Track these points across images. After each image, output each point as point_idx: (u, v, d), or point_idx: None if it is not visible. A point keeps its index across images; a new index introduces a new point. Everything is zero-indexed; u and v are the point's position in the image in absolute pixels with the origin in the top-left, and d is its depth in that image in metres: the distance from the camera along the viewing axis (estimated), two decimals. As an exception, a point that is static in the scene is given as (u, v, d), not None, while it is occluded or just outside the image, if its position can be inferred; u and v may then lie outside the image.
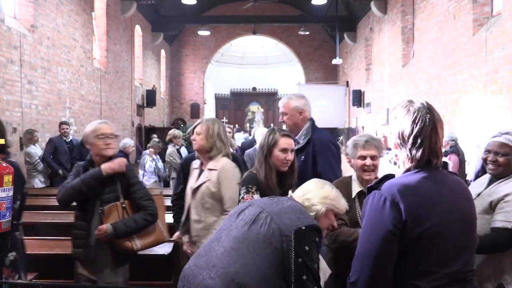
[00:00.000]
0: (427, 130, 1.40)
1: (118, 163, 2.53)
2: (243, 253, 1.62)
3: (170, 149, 7.21)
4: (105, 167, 2.49)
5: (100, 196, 2.52)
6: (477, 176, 4.66)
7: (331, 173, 2.73)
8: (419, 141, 1.40)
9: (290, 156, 2.40)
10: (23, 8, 7.26)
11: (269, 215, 1.68)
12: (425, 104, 1.45)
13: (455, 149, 5.90)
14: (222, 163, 2.72)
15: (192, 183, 2.82)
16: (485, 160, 2.23)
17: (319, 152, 2.83)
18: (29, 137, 6.63)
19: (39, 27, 7.56)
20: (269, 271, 1.59)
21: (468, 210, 1.45)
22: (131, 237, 2.51)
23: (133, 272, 2.75)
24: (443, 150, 5.99)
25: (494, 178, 2.19)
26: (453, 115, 7.68)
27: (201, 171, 2.80)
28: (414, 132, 1.40)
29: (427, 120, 1.41)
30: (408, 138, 1.41)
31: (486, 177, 2.26)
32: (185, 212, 2.84)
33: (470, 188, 2.40)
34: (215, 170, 2.70)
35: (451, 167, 5.34)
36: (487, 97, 6.47)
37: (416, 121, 1.41)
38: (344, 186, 2.36)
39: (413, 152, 1.41)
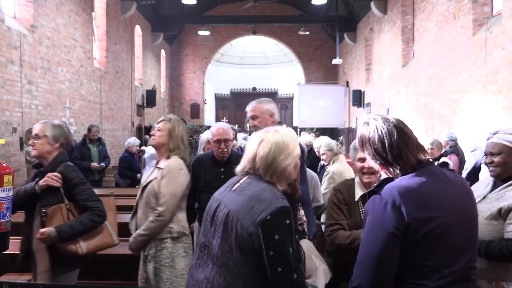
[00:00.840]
0: (396, 135, 1.42)
1: (51, 180, 2.39)
2: (229, 270, 1.53)
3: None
4: (40, 184, 2.39)
5: (40, 198, 2.41)
6: (469, 176, 4.68)
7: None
8: (397, 149, 1.42)
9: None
10: (23, 8, 7.26)
11: (234, 216, 1.55)
12: (378, 117, 1.49)
13: (455, 149, 5.90)
14: (169, 162, 2.64)
15: (142, 180, 2.82)
16: (486, 164, 2.20)
17: None
18: (29, 136, 6.64)
19: (39, 27, 7.56)
20: (256, 277, 1.51)
21: (470, 207, 1.46)
22: (76, 240, 2.37)
23: (134, 272, 2.75)
24: (443, 150, 6.00)
25: (498, 181, 2.16)
26: (453, 115, 7.68)
27: (155, 169, 2.77)
28: (387, 144, 1.42)
29: (390, 127, 1.43)
30: (386, 153, 1.43)
31: (491, 180, 2.20)
32: (133, 210, 2.77)
33: (473, 189, 2.38)
34: (162, 169, 2.64)
35: (451, 167, 5.34)
36: (487, 97, 6.47)
37: (381, 136, 1.43)
38: (347, 189, 2.35)
39: (399, 161, 1.43)
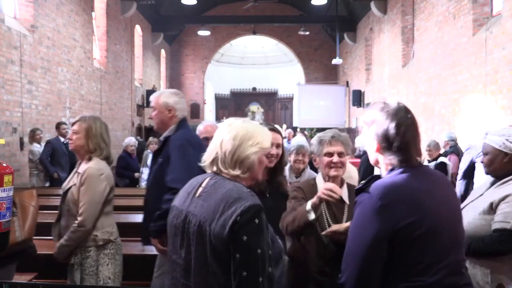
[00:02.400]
0: (411, 130, 1.43)
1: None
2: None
3: None
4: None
5: None
6: (465, 175, 4.70)
7: (176, 174, 2.39)
8: (406, 142, 1.42)
9: (274, 151, 2.35)
10: (23, 8, 7.26)
11: (206, 226, 1.41)
12: (401, 105, 1.47)
13: (455, 149, 5.90)
14: (88, 167, 2.48)
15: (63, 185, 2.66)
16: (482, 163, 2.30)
17: (171, 152, 2.52)
18: (31, 135, 6.66)
19: (39, 27, 7.56)
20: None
21: (454, 203, 1.49)
22: None
23: (134, 272, 2.74)
24: (443, 150, 6.00)
25: (497, 180, 2.20)
26: (453, 115, 7.68)
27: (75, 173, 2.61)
28: (401, 134, 1.41)
29: (409, 121, 1.44)
30: (394, 140, 1.42)
31: (490, 179, 2.27)
32: (57, 216, 2.64)
33: (474, 190, 2.42)
34: (81, 174, 2.49)
35: (451, 167, 5.34)
36: (487, 97, 6.47)
37: (400, 123, 1.42)
38: (310, 189, 2.16)
39: (400, 154, 1.42)
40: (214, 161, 1.54)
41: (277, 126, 2.83)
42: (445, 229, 1.39)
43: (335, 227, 1.92)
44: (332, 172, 2.13)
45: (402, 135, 1.41)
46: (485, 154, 2.20)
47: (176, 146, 2.50)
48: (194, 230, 1.44)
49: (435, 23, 8.48)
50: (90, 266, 2.46)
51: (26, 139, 6.84)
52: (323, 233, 1.94)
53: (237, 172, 1.51)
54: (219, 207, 1.41)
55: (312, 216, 1.92)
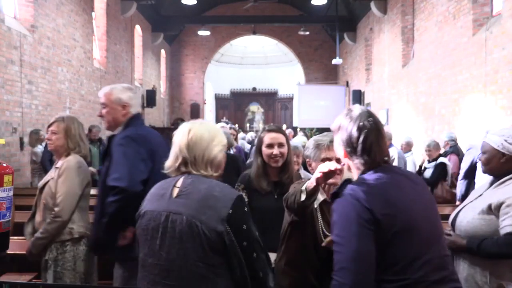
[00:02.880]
0: (373, 133, 1.48)
1: None
2: (203, 278, 1.48)
3: None
4: None
5: None
6: (466, 175, 4.70)
7: (117, 171, 2.24)
8: (368, 145, 1.47)
9: (277, 151, 2.36)
10: (23, 8, 7.26)
11: (195, 221, 1.48)
12: (364, 109, 1.54)
13: (455, 149, 5.90)
14: (66, 160, 2.51)
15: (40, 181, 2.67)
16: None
17: (112, 151, 2.36)
18: (36, 137, 6.61)
19: (39, 27, 7.56)
20: (227, 275, 1.50)
21: (427, 199, 1.53)
22: None
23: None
24: (443, 150, 6.00)
25: (495, 180, 2.21)
26: (453, 115, 7.69)
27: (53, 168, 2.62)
28: (362, 137, 1.47)
29: (370, 124, 1.49)
30: (357, 144, 1.48)
31: (490, 178, 2.27)
32: (31, 213, 2.61)
33: (475, 190, 2.43)
34: (59, 168, 2.50)
35: (450, 168, 5.34)
36: (487, 97, 6.47)
37: (361, 127, 1.48)
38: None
39: (365, 156, 1.48)
40: (182, 165, 1.60)
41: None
42: (421, 225, 1.41)
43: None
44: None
45: (365, 138, 1.47)
46: (483, 152, 2.21)
47: (117, 144, 2.34)
48: (182, 228, 1.48)
49: (435, 23, 8.48)
50: (67, 261, 2.44)
51: (26, 139, 6.83)
52: (324, 244, 1.90)
53: (209, 172, 1.60)
54: (207, 203, 1.50)
55: (303, 197, 1.82)
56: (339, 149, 1.57)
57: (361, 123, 1.49)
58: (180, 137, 1.62)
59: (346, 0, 14.25)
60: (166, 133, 15.05)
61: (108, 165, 2.36)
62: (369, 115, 1.51)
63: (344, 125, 1.52)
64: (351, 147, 1.50)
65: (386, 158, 1.52)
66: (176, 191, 1.57)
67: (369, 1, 11.87)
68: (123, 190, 2.18)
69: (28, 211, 2.83)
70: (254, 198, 2.43)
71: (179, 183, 1.58)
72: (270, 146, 2.39)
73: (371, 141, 1.47)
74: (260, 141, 2.43)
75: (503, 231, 1.98)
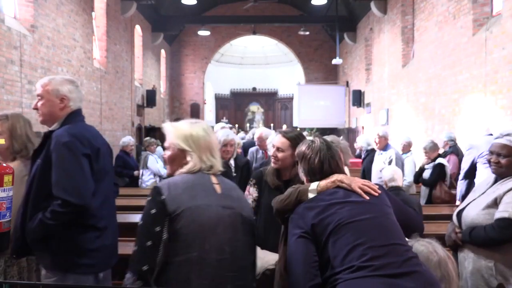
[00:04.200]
0: (332, 163, 1.81)
1: None
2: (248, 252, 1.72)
3: None
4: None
5: None
6: (466, 175, 4.68)
7: (64, 179, 2.02)
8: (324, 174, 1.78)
9: (276, 153, 2.49)
10: (23, 8, 7.26)
11: (244, 214, 1.70)
12: (323, 142, 1.86)
13: (454, 149, 5.88)
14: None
15: None
16: (489, 161, 2.27)
17: (53, 150, 2.07)
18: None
19: (39, 27, 7.56)
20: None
21: (364, 201, 1.67)
22: None
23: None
24: (442, 150, 5.97)
25: (499, 178, 2.22)
26: (453, 115, 7.68)
27: None
28: (321, 167, 1.81)
29: (329, 155, 1.83)
30: (316, 173, 1.79)
31: (492, 177, 2.29)
32: None
33: (476, 188, 2.42)
34: None
35: (449, 169, 5.34)
36: (487, 97, 6.47)
37: (322, 159, 1.83)
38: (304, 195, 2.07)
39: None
40: (210, 165, 1.71)
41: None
42: (358, 223, 1.56)
43: None
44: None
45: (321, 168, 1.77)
46: (502, 155, 2.17)
47: (61, 144, 2.05)
48: (238, 220, 1.63)
49: (435, 23, 8.48)
50: (14, 275, 2.28)
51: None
52: None
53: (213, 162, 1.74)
54: (242, 197, 1.77)
55: (311, 195, 1.79)
56: (302, 176, 1.89)
57: (322, 155, 1.81)
58: (213, 137, 1.73)
59: (346, 0, 14.25)
60: (166, 133, 14.83)
61: (41, 165, 2.08)
62: (328, 147, 1.83)
63: (307, 156, 1.84)
64: (312, 175, 1.82)
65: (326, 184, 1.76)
66: (218, 187, 1.66)
67: (369, 1, 11.87)
68: (76, 205, 2.00)
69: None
70: (264, 194, 2.54)
71: (214, 180, 1.68)
72: (273, 147, 2.56)
73: (326, 170, 1.79)
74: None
75: (495, 217, 2.05)
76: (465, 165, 4.73)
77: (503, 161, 2.16)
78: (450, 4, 7.77)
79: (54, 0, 8.08)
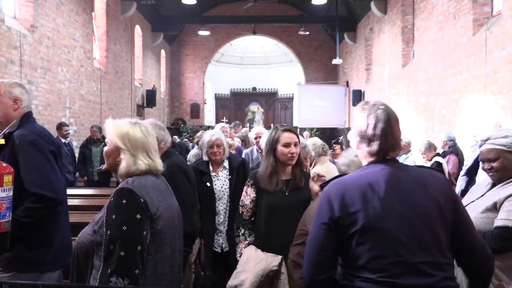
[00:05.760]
0: (382, 123, 1.47)
1: None
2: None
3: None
4: None
5: None
6: (468, 172, 4.66)
7: (36, 175, 2.07)
8: (374, 134, 1.47)
9: (294, 149, 2.44)
10: (23, 8, 7.26)
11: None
12: (379, 102, 1.54)
13: (454, 149, 5.87)
14: None
15: None
16: (485, 171, 2.24)
17: (19, 150, 2.10)
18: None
19: (39, 27, 7.56)
20: None
21: (425, 202, 1.42)
22: None
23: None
24: (441, 150, 5.95)
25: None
26: (453, 115, 7.68)
27: None
28: (370, 126, 1.47)
29: (380, 114, 1.48)
30: (365, 133, 1.49)
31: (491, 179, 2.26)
32: None
33: (474, 189, 2.41)
34: None
35: (450, 168, 5.33)
36: (487, 97, 6.47)
37: (370, 116, 1.49)
38: None
39: (370, 146, 1.49)
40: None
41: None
42: (391, 227, 1.36)
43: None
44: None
45: (372, 128, 1.47)
46: (492, 160, 2.14)
47: (27, 143, 2.10)
48: (180, 218, 1.78)
49: (435, 23, 8.48)
50: None
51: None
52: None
53: None
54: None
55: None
56: (352, 139, 1.59)
57: (370, 114, 1.49)
58: (151, 139, 1.78)
59: (346, 0, 14.25)
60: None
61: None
62: (382, 105, 1.51)
63: (356, 116, 1.55)
64: (360, 136, 1.51)
65: (391, 154, 1.49)
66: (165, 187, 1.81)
67: (369, 1, 11.86)
68: (50, 199, 2.05)
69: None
70: (263, 195, 2.48)
71: (161, 180, 1.80)
72: (288, 145, 2.45)
73: (378, 132, 1.46)
74: (276, 140, 2.47)
75: (494, 224, 2.01)
76: (468, 162, 4.69)
77: (495, 164, 2.14)
78: (450, 4, 7.77)
79: (54, 0, 8.08)
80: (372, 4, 11.76)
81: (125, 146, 1.69)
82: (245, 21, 16.76)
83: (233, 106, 21.86)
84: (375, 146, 1.47)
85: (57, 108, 8.25)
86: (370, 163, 1.49)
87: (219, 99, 21.56)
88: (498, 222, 2.01)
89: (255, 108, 22.15)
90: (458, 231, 1.45)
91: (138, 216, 1.56)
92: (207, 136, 3.30)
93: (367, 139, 1.48)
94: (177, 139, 13.05)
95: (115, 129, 1.74)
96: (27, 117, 2.27)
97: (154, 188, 1.67)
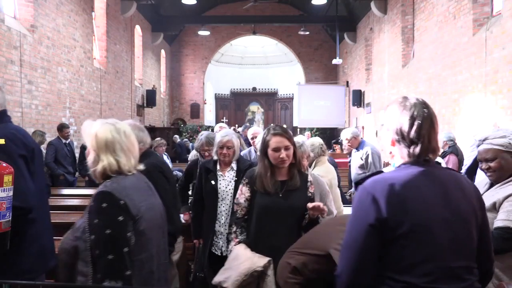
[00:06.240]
0: (426, 125, 1.40)
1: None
2: None
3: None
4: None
5: None
6: (468, 171, 4.66)
7: (25, 188, 2.03)
8: (418, 136, 1.40)
9: (284, 154, 2.37)
10: (23, 8, 7.26)
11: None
12: (420, 100, 1.46)
13: (454, 149, 5.86)
14: None
15: None
16: (484, 171, 2.24)
17: None
18: (41, 140, 6.59)
19: (39, 27, 7.56)
20: None
21: (464, 205, 1.41)
22: None
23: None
24: (441, 150, 5.93)
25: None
26: (453, 115, 7.68)
27: None
28: (414, 128, 1.40)
29: (425, 115, 1.41)
30: (408, 134, 1.41)
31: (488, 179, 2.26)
32: None
33: None
34: None
35: (445, 166, 5.32)
36: (487, 97, 6.47)
37: (415, 117, 1.41)
38: None
39: (412, 148, 1.41)
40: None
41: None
42: (438, 230, 1.34)
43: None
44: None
45: (416, 129, 1.40)
46: (489, 160, 2.14)
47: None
48: (164, 216, 1.80)
49: (435, 23, 8.48)
50: None
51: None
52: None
53: None
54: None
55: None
56: (387, 136, 1.50)
57: (415, 113, 1.41)
58: (118, 138, 1.78)
59: (346, 0, 14.25)
60: (166, 133, 14.85)
61: None
62: (425, 106, 1.44)
63: (397, 113, 1.45)
64: (400, 135, 1.43)
65: (430, 155, 1.44)
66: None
67: (369, 1, 11.87)
68: (21, 209, 1.97)
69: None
70: (256, 194, 2.45)
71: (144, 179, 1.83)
72: (277, 149, 2.39)
73: (422, 134, 1.40)
74: (266, 144, 2.43)
75: (494, 225, 2.00)
76: (468, 161, 4.70)
77: (492, 164, 2.13)
78: (450, 4, 7.77)
79: (54, 0, 8.08)
80: (372, 4, 11.77)
81: (92, 146, 1.71)
82: (245, 21, 16.77)
83: (233, 106, 21.86)
84: (417, 149, 1.40)
85: (57, 108, 8.25)
86: (407, 163, 1.43)
87: (219, 99, 21.57)
88: (498, 223, 2.00)
89: (255, 108, 22.15)
90: (482, 235, 1.46)
91: (121, 218, 1.55)
92: (218, 136, 3.29)
93: (409, 141, 1.41)
94: (177, 139, 13.05)
95: (85, 130, 1.75)
96: (1, 116, 2.15)
97: (134, 189, 1.65)
